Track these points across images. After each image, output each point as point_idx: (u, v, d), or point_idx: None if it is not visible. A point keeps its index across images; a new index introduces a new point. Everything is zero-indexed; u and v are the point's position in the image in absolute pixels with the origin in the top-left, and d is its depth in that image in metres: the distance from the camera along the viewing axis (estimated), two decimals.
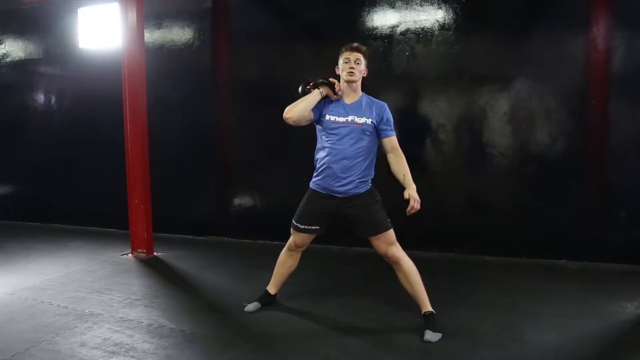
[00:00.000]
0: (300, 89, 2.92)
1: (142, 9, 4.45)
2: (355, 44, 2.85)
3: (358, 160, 2.82)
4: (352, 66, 2.80)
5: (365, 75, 2.89)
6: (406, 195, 2.73)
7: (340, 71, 2.87)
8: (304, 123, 2.90)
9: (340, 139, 2.82)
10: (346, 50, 2.84)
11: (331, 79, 2.89)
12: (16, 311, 3.25)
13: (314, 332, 2.92)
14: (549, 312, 3.10)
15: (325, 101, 2.90)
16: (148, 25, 4.95)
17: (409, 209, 2.71)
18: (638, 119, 3.96)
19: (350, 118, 2.83)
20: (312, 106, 2.85)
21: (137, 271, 4.19)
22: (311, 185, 2.99)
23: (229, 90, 5.24)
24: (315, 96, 2.85)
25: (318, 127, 2.95)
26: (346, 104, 2.87)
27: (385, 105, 2.88)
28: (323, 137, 2.91)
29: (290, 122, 2.86)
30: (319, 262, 4.17)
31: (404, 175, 2.79)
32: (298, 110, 2.83)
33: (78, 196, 5.88)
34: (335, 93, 2.89)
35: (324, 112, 2.89)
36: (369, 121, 2.81)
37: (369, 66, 2.90)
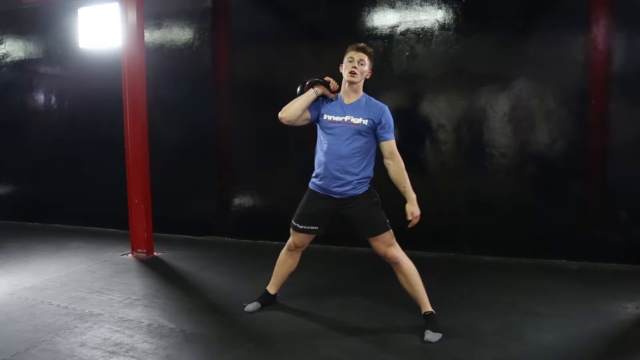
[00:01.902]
0: (298, 90, 2.91)
1: (142, 9, 4.45)
2: (361, 44, 2.81)
3: (355, 160, 2.80)
4: (354, 66, 2.77)
5: (368, 77, 2.86)
6: (408, 212, 2.77)
7: (342, 70, 2.84)
8: (300, 123, 2.89)
9: (336, 138, 2.81)
10: (352, 49, 2.80)
11: (327, 78, 2.87)
12: (16, 311, 3.25)
13: (314, 332, 2.92)
14: (549, 312, 3.10)
15: (324, 101, 2.90)
16: (148, 25, 4.95)
17: (410, 225, 2.78)
18: (638, 119, 3.96)
19: (346, 118, 2.81)
20: (306, 105, 2.84)
21: (137, 271, 4.19)
22: (310, 185, 2.98)
23: (228, 90, 5.24)
24: (309, 95, 2.84)
25: (318, 127, 2.95)
26: (345, 104, 2.86)
27: (386, 107, 2.83)
28: (322, 136, 2.90)
29: (284, 121, 2.86)
30: (319, 262, 4.17)
31: (404, 187, 2.79)
32: (292, 110, 2.83)
33: (78, 196, 5.88)
34: (332, 91, 2.88)
35: (322, 112, 2.88)
36: (365, 122, 2.78)
37: (373, 68, 2.88)
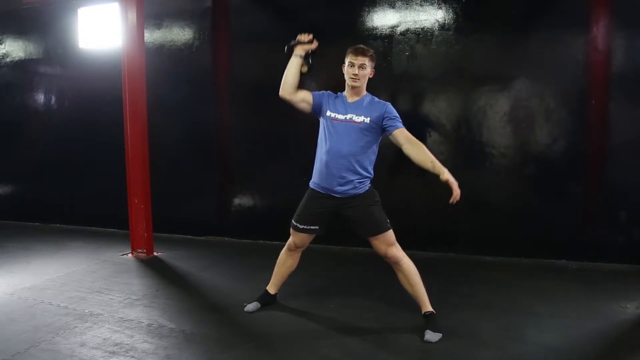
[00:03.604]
0: (285, 49, 2.93)
1: (142, 9, 4.45)
2: (361, 47, 2.80)
3: (356, 159, 2.80)
4: (355, 72, 2.77)
5: (371, 76, 2.86)
6: (444, 178, 2.59)
7: (345, 72, 2.85)
8: (299, 104, 2.90)
9: (338, 137, 2.81)
10: (352, 53, 2.80)
11: (298, 37, 2.88)
12: (16, 311, 3.25)
13: (314, 332, 2.93)
14: (549, 312, 3.11)
15: (329, 97, 2.90)
16: (148, 25, 4.95)
17: (453, 198, 2.61)
18: (638, 119, 3.96)
19: (348, 116, 2.81)
20: (295, 72, 2.87)
21: (137, 271, 4.19)
22: (310, 184, 2.98)
23: (228, 90, 5.24)
24: (293, 60, 2.87)
25: (321, 121, 2.94)
26: (348, 103, 2.86)
27: (388, 104, 2.84)
28: (324, 133, 2.89)
29: (285, 99, 2.89)
30: (319, 262, 4.17)
31: (432, 162, 2.65)
32: (283, 85, 2.88)
33: (78, 196, 5.88)
34: (309, 42, 2.87)
35: (325, 108, 2.88)
36: (367, 120, 2.79)
37: (375, 67, 2.88)
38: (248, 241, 5.11)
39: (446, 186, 4.24)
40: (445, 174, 2.61)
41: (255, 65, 5.02)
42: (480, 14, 4.29)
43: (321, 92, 2.94)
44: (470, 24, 4.31)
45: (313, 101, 2.90)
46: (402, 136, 2.75)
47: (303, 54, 2.87)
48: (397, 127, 2.76)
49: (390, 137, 2.80)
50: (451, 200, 2.60)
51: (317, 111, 2.92)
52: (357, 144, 2.80)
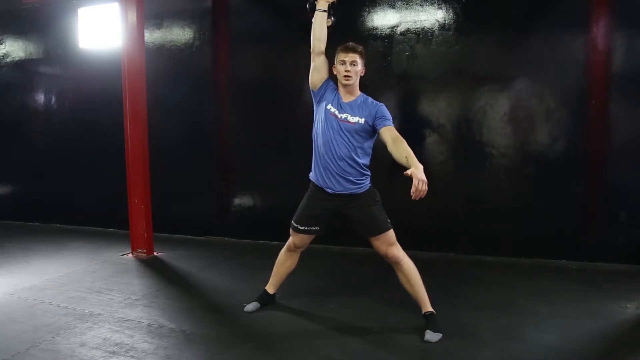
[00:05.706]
0: (308, 7, 2.97)
1: (142, 9, 4.45)
2: (350, 44, 2.81)
3: (354, 160, 2.80)
4: (347, 69, 2.77)
5: (362, 75, 2.86)
6: (406, 172, 2.39)
7: (336, 72, 2.85)
8: (317, 72, 2.91)
9: (334, 134, 2.80)
10: (341, 51, 2.80)
11: None
12: (16, 311, 3.25)
13: (314, 332, 2.93)
14: (549, 312, 3.11)
15: (333, 89, 2.89)
16: (148, 25, 4.95)
17: (412, 189, 2.34)
18: (638, 119, 3.96)
19: (344, 115, 2.81)
20: (323, 26, 2.90)
21: (137, 271, 4.19)
22: (311, 177, 2.97)
23: (228, 90, 5.24)
24: (318, 15, 2.90)
25: (317, 109, 2.93)
26: (343, 102, 2.86)
27: (382, 104, 2.82)
28: (320, 124, 2.87)
29: (318, 51, 2.90)
30: (319, 262, 4.17)
31: (406, 157, 2.48)
32: (314, 40, 2.91)
33: (78, 196, 5.88)
34: None
35: (326, 99, 2.87)
36: (362, 120, 2.78)
37: (366, 64, 2.88)
38: (248, 241, 5.11)
39: (447, 187, 4.23)
40: (412, 169, 2.39)
41: (255, 65, 5.03)
42: (480, 14, 4.29)
43: (328, 79, 2.93)
44: (470, 24, 4.31)
45: (323, 83, 2.91)
46: (388, 134, 2.69)
47: (326, 7, 2.87)
48: (385, 125, 2.73)
49: (379, 135, 2.77)
50: (413, 196, 2.37)
51: (318, 95, 2.92)
52: (353, 145, 2.80)
